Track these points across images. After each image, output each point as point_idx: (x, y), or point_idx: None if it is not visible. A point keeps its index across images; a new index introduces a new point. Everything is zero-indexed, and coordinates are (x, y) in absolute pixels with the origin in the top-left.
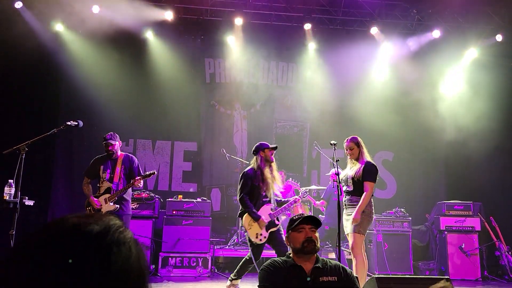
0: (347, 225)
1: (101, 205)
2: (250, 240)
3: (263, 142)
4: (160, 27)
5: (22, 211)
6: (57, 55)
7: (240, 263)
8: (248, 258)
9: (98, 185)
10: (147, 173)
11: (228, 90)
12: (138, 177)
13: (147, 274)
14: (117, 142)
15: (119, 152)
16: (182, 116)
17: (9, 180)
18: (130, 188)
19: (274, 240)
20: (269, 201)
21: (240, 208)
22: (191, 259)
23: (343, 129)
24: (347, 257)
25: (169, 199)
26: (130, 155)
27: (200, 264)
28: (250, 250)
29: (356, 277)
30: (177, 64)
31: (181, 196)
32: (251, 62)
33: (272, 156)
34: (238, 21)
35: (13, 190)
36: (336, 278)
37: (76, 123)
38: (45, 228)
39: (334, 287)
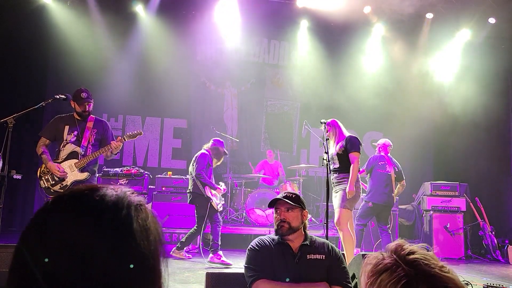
0: (335, 202)
1: (65, 173)
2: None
3: (221, 144)
4: (151, 1)
5: (8, 185)
6: (45, 27)
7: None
8: (193, 231)
9: (57, 149)
10: (134, 132)
11: (219, 68)
12: (121, 137)
13: (162, 234)
14: (92, 101)
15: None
16: (172, 93)
17: None
18: (97, 160)
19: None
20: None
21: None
22: (180, 235)
23: (333, 108)
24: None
25: (159, 176)
26: (102, 119)
27: None
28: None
29: (343, 253)
30: (167, 40)
31: (171, 172)
32: (243, 40)
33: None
34: None
35: (0, 164)
36: (324, 256)
37: (64, 96)
38: (68, 197)
39: (322, 265)
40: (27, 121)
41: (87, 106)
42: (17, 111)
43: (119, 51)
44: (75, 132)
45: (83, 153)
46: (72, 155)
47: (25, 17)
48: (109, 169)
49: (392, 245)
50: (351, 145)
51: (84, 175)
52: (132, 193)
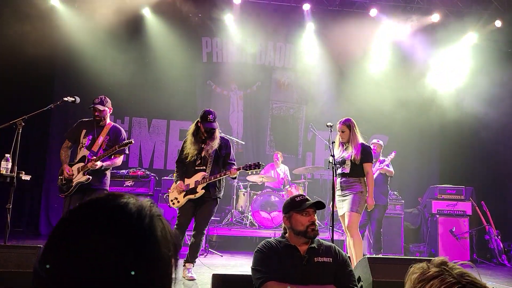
0: (343, 206)
1: (73, 175)
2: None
3: (205, 114)
4: (158, 4)
5: (17, 186)
6: (52, 29)
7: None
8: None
9: (76, 151)
10: (124, 142)
11: (224, 70)
12: (116, 145)
13: (177, 244)
14: (106, 108)
15: (107, 120)
16: (178, 95)
17: (6, 155)
18: (112, 163)
19: (196, 216)
20: (205, 170)
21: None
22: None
23: (339, 111)
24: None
25: (165, 178)
26: (118, 126)
27: None
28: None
29: (349, 257)
30: (174, 42)
31: None
32: (249, 42)
33: (205, 131)
34: None
35: (10, 165)
36: (331, 259)
37: (73, 99)
38: (91, 205)
39: (329, 268)
40: (34, 122)
41: (95, 112)
42: (25, 113)
43: (125, 53)
44: (90, 137)
45: (90, 158)
46: (82, 159)
47: (33, 18)
48: (115, 171)
49: (438, 259)
50: (366, 154)
51: (84, 178)
52: (152, 203)
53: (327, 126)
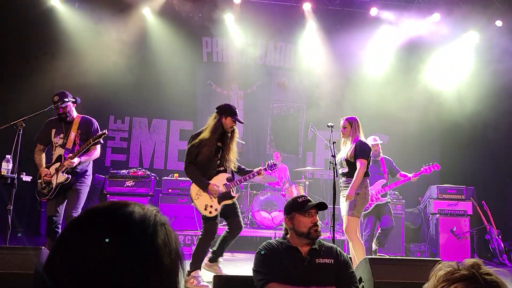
0: (343, 207)
1: (51, 176)
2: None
3: (232, 108)
4: (158, 4)
5: (17, 187)
6: (53, 30)
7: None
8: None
9: (51, 153)
10: (98, 134)
11: (225, 70)
12: (90, 139)
13: (182, 253)
14: (69, 103)
15: (74, 114)
16: (178, 95)
17: (7, 156)
18: (89, 157)
19: (229, 214)
20: (225, 171)
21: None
22: (186, 237)
23: (339, 111)
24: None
25: (165, 178)
26: (88, 117)
27: (195, 242)
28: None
29: (350, 257)
30: (174, 42)
31: (177, 174)
32: (249, 42)
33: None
34: None
35: (10, 166)
36: (332, 260)
37: (74, 99)
38: (98, 211)
39: (330, 269)
40: (35, 122)
41: (60, 109)
42: (26, 113)
43: (126, 53)
44: (61, 135)
45: (66, 156)
46: (59, 158)
47: (34, 19)
48: (116, 171)
49: (470, 260)
50: (360, 151)
51: (63, 177)
52: (158, 212)
53: (328, 126)
